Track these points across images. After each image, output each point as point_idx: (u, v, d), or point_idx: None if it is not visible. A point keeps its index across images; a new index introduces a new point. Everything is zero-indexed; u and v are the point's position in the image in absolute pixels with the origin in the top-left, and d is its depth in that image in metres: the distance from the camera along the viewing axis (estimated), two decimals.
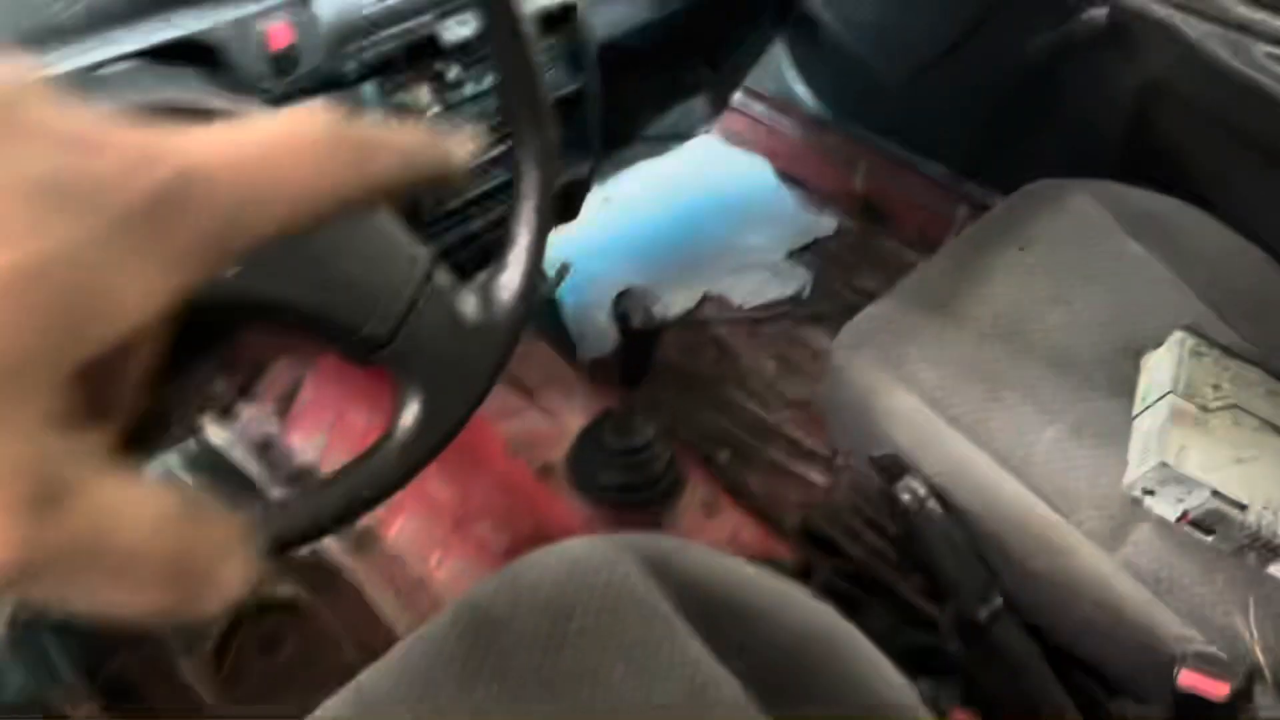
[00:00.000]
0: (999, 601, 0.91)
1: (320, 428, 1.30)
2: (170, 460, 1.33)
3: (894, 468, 0.90)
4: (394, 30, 0.67)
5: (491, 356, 0.64)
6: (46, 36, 0.71)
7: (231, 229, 0.21)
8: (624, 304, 0.96)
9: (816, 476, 1.36)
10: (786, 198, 1.86)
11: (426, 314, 0.61)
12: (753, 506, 1.25)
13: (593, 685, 0.71)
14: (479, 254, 0.86)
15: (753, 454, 1.42)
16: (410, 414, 0.62)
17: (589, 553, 0.78)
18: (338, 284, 0.58)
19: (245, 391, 1.37)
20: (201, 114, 0.59)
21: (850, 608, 1.06)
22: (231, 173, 0.21)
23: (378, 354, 0.60)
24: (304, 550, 1.23)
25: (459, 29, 0.79)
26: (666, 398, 1.48)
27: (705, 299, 1.65)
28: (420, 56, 0.89)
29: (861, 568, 1.07)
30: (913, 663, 0.90)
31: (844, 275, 1.73)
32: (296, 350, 1.34)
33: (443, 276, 0.62)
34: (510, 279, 0.65)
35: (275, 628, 1.17)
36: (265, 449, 1.34)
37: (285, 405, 1.36)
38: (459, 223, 0.95)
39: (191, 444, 1.35)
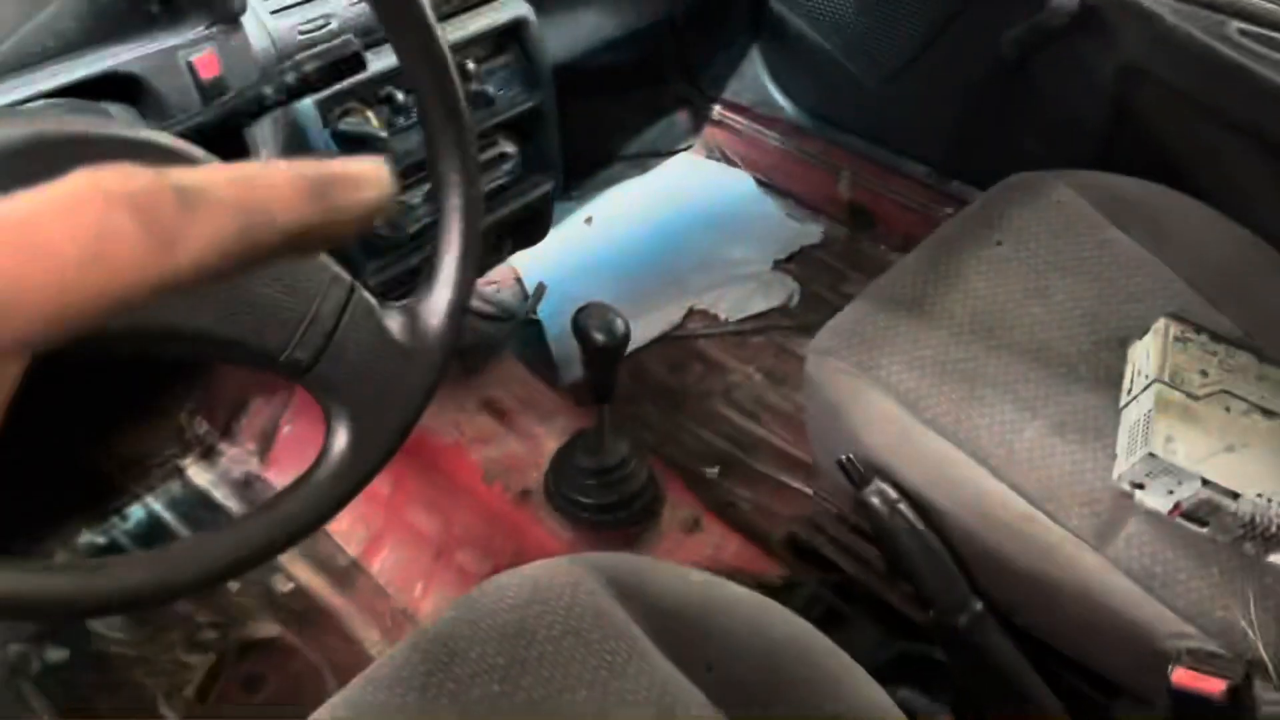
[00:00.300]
0: (978, 606, 0.88)
1: (301, 463, 1.28)
2: (153, 502, 1.31)
3: (859, 472, 0.87)
4: (319, 50, 0.66)
5: (421, 379, 0.62)
6: None
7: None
8: (584, 320, 0.94)
9: (806, 488, 1.33)
10: (771, 208, 1.84)
11: (351, 337, 0.59)
12: (736, 522, 1.22)
13: (553, 712, 0.69)
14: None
15: (741, 468, 1.39)
16: (340, 439, 0.60)
17: (551, 575, 0.76)
18: (255, 308, 0.56)
19: (226, 431, 1.36)
20: (121, 145, 0.58)
21: (838, 620, 1.03)
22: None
23: (302, 378, 0.59)
24: (286, 586, 1.22)
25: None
26: (652, 415, 1.46)
27: (691, 314, 1.62)
28: (369, 82, 0.88)
29: (849, 578, 1.04)
30: (903, 672, 0.87)
31: (832, 283, 1.70)
32: (271, 388, 1.33)
33: (366, 299, 0.60)
34: (438, 300, 0.63)
35: (258, 667, 1.15)
36: (246, 487, 1.32)
37: (265, 443, 1.35)
38: (401, 256, 0.94)
39: (175, 486, 1.33)
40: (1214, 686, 0.76)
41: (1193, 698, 0.77)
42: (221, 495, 1.32)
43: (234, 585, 1.22)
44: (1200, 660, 0.76)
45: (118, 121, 0.65)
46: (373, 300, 0.61)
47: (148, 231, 0.18)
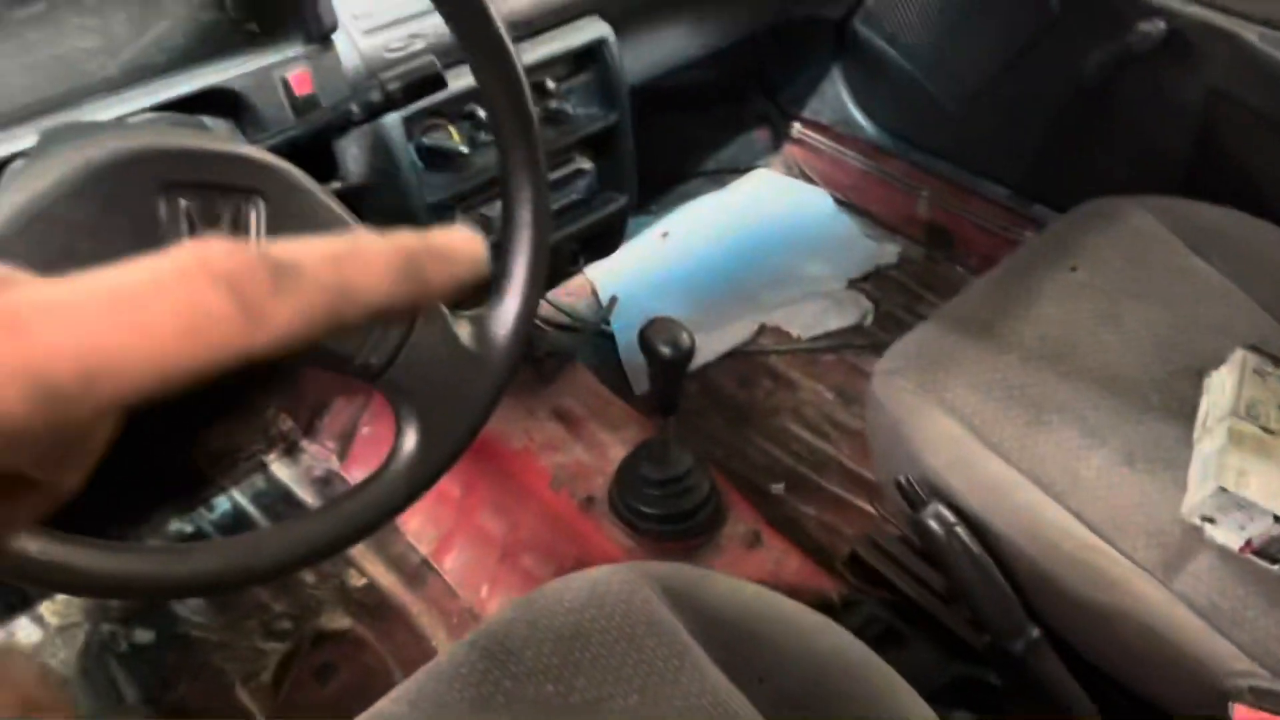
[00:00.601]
0: (1035, 632, 0.87)
1: (377, 463, 1.33)
2: (238, 495, 1.37)
3: (918, 494, 0.87)
4: (403, 70, 0.69)
5: (488, 385, 0.64)
6: (85, 92, 0.76)
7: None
8: (650, 334, 0.96)
9: (870, 507, 1.33)
10: (848, 226, 1.84)
11: (422, 344, 0.62)
12: (798, 538, 1.22)
13: (605, 715, 0.71)
14: None
15: (806, 485, 1.39)
16: (409, 441, 0.63)
17: (609, 581, 0.78)
18: None
19: (308, 429, 1.41)
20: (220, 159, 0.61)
21: (895, 640, 1.03)
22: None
23: (375, 382, 0.62)
24: (359, 581, 1.26)
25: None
26: (720, 429, 1.47)
27: (762, 329, 1.63)
28: (452, 99, 0.91)
29: (907, 599, 1.04)
30: (957, 696, 0.87)
31: (907, 303, 1.70)
32: (352, 390, 1.38)
33: (438, 308, 0.63)
34: (507, 310, 0.65)
35: (330, 657, 1.20)
36: (325, 484, 1.37)
37: (345, 442, 1.40)
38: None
39: (259, 480, 1.39)
40: None
41: None
42: (301, 490, 1.37)
43: (310, 578, 1.27)
44: (1262, 698, 0.75)
45: (217, 136, 0.69)
46: (444, 309, 0.63)
47: (241, 309, 0.19)
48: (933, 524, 0.87)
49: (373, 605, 1.25)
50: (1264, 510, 0.84)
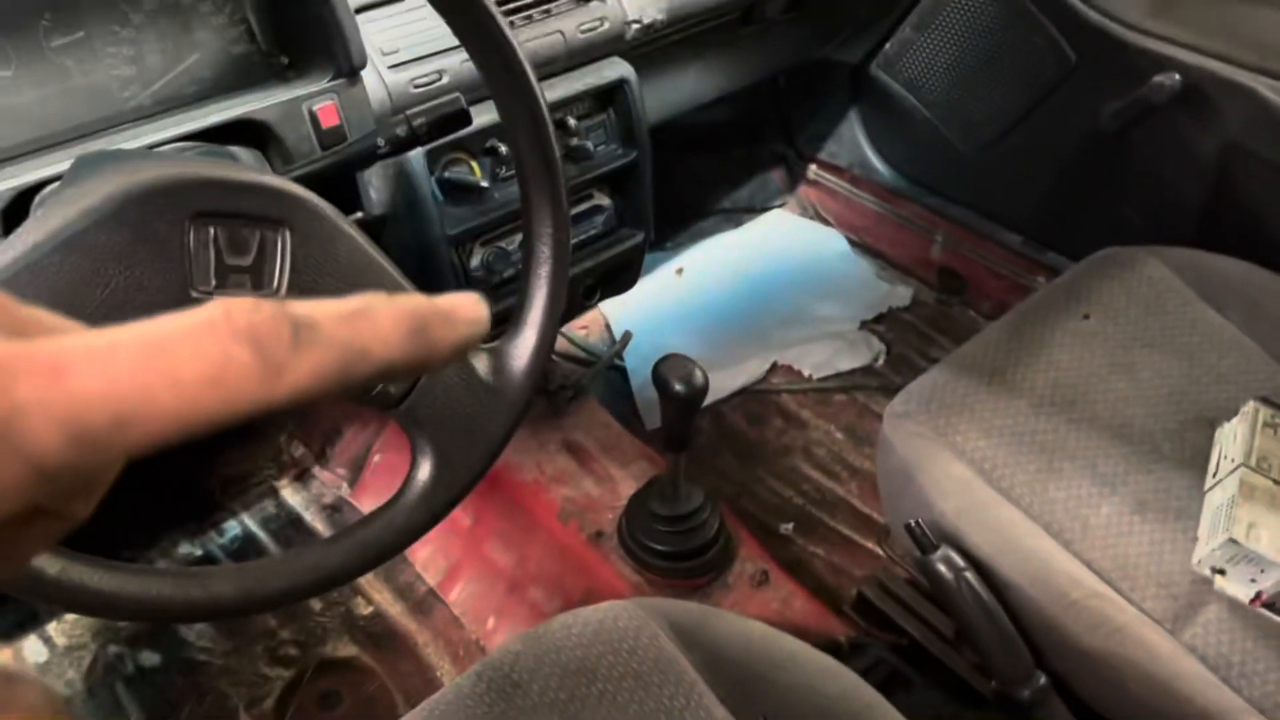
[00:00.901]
0: (1042, 680, 0.86)
1: (387, 492, 1.34)
2: (248, 520, 1.38)
3: (927, 538, 0.87)
4: (429, 106, 0.71)
5: (503, 418, 0.65)
6: (118, 120, 0.77)
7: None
8: (664, 370, 0.97)
9: (878, 550, 1.33)
10: (861, 267, 1.85)
11: (439, 376, 0.63)
12: (806, 579, 1.22)
13: None
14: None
15: (816, 525, 1.39)
16: (423, 471, 0.64)
17: (617, 616, 0.78)
18: None
19: (320, 456, 1.42)
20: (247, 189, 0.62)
21: (901, 683, 1.03)
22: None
23: (392, 412, 0.62)
24: (365, 610, 1.26)
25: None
26: (730, 466, 1.47)
27: (774, 368, 1.64)
28: (474, 134, 0.93)
29: (915, 642, 1.04)
30: None
31: (919, 345, 1.70)
32: (365, 418, 1.39)
33: None
34: (523, 343, 0.66)
35: (334, 685, 1.20)
36: (335, 511, 1.38)
37: (355, 470, 1.40)
38: (493, 300, 0.98)
39: (269, 505, 1.40)
40: None
41: None
42: (311, 517, 1.38)
43: (316, 605, 1.27)
44: None
45: (246, 167, 0.71)
46: None
47: (262, 361, 0.20)
48: (942, 568, 0.86)
49: (379, 634, 1.24)
50: (1274, 563, 0.84)
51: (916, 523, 0.88)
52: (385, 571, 1.30)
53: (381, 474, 1.39)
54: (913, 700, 0.98)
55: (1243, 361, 1.03)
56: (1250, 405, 0.96)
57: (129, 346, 0.20)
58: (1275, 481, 0.90)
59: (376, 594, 1.29)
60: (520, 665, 0.75)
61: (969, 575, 0.85)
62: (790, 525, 1.39)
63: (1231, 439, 0.95)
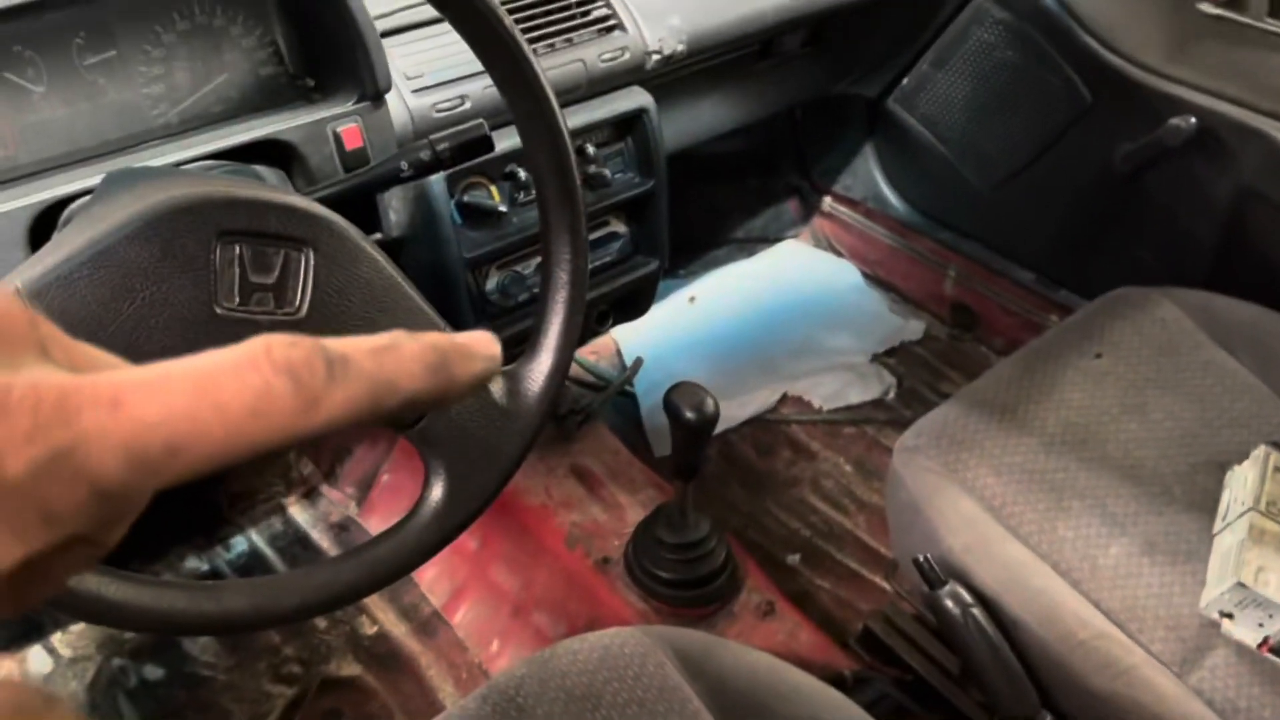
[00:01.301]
0: (1047, 718, 0.86)
1: (395, 512, 1.34)
2: (255, 536, 1.38)
3: (935, 573, 0.87)
4: (452, 132, 0.72)
5: (518, 441, 0.65)
6: (146, 137, 0.79)
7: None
8: (675, 398, 0.97)
9: (885, 584, 1.32)
10: (874, 300, 1.86)
11: None
12: (812, 611, 1.22)
13: None
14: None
15: (823, 558, 1.39)
16: (436, 492, 0.64)
17: (623, 643, 0.78)
18: None
19: (329, 475, 1.43)
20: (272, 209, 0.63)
21: (905, 719, 1.02)
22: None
23: (406, 432, 0.63)
24: (370, 629, 1.26)
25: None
26: (738, 496, 1.47)
27: (784, 399, 1.64)
28: (494, 159, 0.94)
29: (919, 678, 1.03)
30: None
31: (930, 380, 1.70)
32: (375, 438, 1.39)
33: None
34: (539, 367, 0.67)
35: (336, 703, 1.20)
36: (342, 530, 1.38)
37: (364, 489, 1.41)
38: (510, 323, 0.99)
39: (276, 522, 1.40)
40: None
41: None
42: (318, 535, 1.38)
43: (321, 624, 1.27)
44: None
45: (273, 187, 0.72)
46: None
47: (299, 394, 0.22)
48: (949, 604, 0.86)
49: (382, 654, 1.24)
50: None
51: (925, 558, 0.88)
52: (390, 592, 1.30)
53: (389, 494, 1.39)
54: None
55: (1254, 405, 1.03)
56: (1261, 449, 0.96)
57: (179, 379, 0.21)
58: None
59: (381, 614, 1.29)
60: (525, 689, 0.75)
61: (976, 611, 0.85)
62: (797, 556, 1.39)
63: (1242, 483, 0.95)
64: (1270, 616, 0.84)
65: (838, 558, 1.39)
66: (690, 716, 0.74)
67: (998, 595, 0.88)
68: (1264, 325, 1.12)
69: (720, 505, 1.46)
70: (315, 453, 1.42)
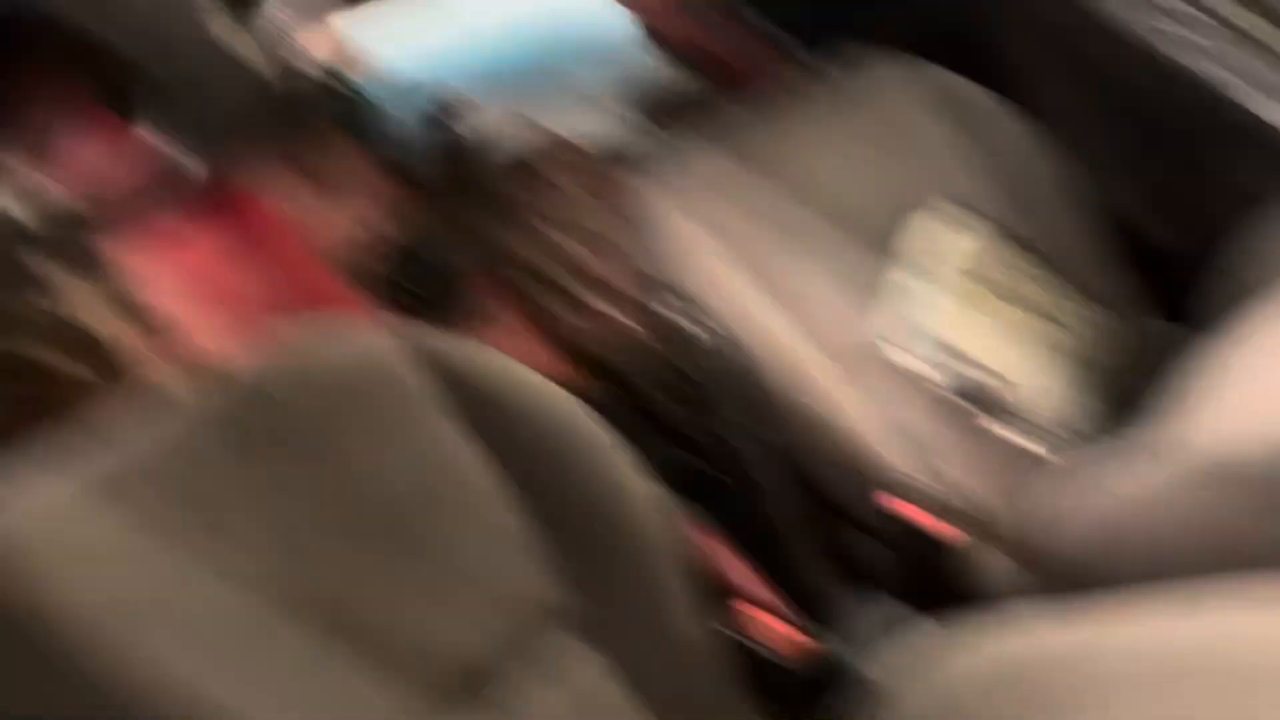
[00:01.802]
0: (759, 434, 0.99)
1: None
2: None
3: (673, 304, 0.95)
4: None
5: None
6: None
7: None
8: (437, 109, 0.95)
9: (619, 314, 1.39)
10: (631, 40, 1.83)
11: None
12: (547, 333, 1.28)
13: (359, 475, 0.74)
14: None
15: (556, 285, 1.44)
16: None
17: (371, 343, 0.80)
18: None
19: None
20: None
21: (626, 429, 1.12)
22: None
23: None
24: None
25: None
26: (475, 219, 1.47)
27: (527, 126, 1.62)
28: None
29: (645, 396, 1.13)
30: (679, 483, 0.97)
31: (676, 124, 1.73)
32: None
33: None
34: None
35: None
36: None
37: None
38: None
39: None
40: (922, 518, 0.90)
41: (922, 536, 0.90)
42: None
43: None
44: (908, 492, 0.90)
45: None
46: None
47: None
48: (685, 333, 0.95)
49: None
50: (934, 337, 1.01)
51: (663, 283, 0.96)
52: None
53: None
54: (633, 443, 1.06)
55: (953, 171, 1.15)
56: (944, 203, 1.10)
57: None
58: (952, 271, 1.06)
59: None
60: (274, 382, 0.75)
61: (708, 339, 0.95)
62: (530, 282, 1.42)
63: (920, 230, 1.09)
64: (924, 343, 1.01)
65: (572, 287, 1.44)
66: (430, 414, 0.77)
67: (721, 318, 0.98)
68: (979, 105, 1.22)
69: (454, 223, 1.44)
70: None
